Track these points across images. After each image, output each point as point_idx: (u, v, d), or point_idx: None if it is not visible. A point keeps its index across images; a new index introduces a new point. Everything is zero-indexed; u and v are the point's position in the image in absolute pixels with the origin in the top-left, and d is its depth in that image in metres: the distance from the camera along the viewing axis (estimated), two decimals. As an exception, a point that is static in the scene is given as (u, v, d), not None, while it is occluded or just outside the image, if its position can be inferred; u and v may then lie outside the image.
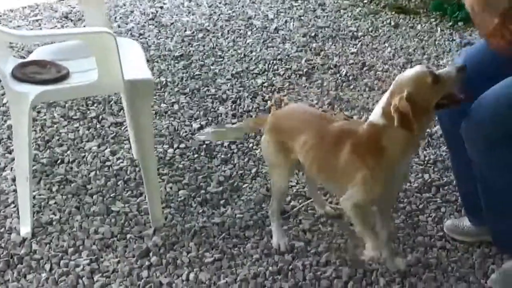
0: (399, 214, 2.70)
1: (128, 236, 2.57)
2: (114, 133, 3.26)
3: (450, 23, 4.57)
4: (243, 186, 2.89)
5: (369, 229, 2.24)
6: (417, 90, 2.05)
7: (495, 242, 2.51)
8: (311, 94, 3.65)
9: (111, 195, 2.82)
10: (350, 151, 2.18)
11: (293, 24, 4.58)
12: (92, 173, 2.96)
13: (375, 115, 2.15)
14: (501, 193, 2.27)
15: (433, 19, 4.66)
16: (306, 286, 2.32)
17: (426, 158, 3.07)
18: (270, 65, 3.99)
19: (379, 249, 2.27)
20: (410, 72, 2.16)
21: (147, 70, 2.64)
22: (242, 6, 4.88)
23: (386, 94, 2.14)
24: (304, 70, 3.93)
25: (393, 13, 4.77)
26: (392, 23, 4.59)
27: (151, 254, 2.47)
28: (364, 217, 2.23)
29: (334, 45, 4.27)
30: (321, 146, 2.28)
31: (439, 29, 4.52)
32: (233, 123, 3.33)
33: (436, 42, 4.33)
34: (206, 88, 3.72)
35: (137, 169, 2.95)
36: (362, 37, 4.40)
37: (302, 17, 4.70)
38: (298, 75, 3.87)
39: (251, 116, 3.43)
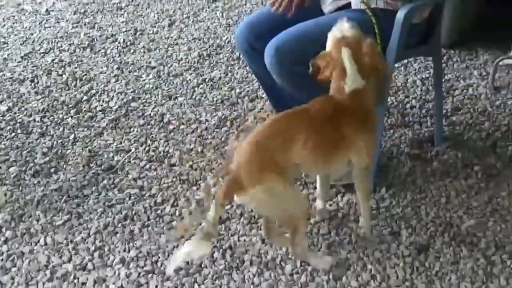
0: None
1: (-23, 218, 2.39)
2: None
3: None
4: (67, 153, 2.77)
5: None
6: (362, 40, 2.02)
7: None
8: (98, 63, 3.55)
9: None
10: (347, 124, 1.99)
11: (61, 4, 4.38)
12: None
13: (355, 81, 1.97)
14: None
15: (181, -17, 4.68)
16: (152, 224, 2.33)
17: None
18: (54, 43, 3.80)
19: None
20: (349, 29, 2.02)
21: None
22: (8, -6, 4.57)
23: (347, 58, 1.96)
24: (86, 43, 3.79)
25: (146, -19, 4.72)
26: (148, -8, 4.56)
27: (4, 229, 2.31)
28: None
29: (105, 18, 4.16)
30: (318, 135, 1.95)
31: (188, -9, 4.57)
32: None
33: (189, 1, 4.38)
34: (1, 73, 3.47)
35: (-39, 157, 2.74)
36: (126, 7, 4.33)
37: (67, -3, 4.51)
38: (82, 48, 3.74)
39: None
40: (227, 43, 3.73)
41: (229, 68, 3.45)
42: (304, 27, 2.31)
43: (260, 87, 3.03)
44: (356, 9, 2.35)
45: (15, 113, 3.09)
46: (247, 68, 3.36)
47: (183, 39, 3.82)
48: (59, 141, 2.86)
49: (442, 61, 3.09)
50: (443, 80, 2.94)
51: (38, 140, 2.87)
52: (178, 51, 3.66)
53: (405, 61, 3.35)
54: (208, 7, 4.26)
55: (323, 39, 2.12)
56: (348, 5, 2.41)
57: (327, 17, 2.37)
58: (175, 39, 3.82)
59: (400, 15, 2.25)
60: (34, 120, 3.02)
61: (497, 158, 2.64)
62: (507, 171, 2.56)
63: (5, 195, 2.50)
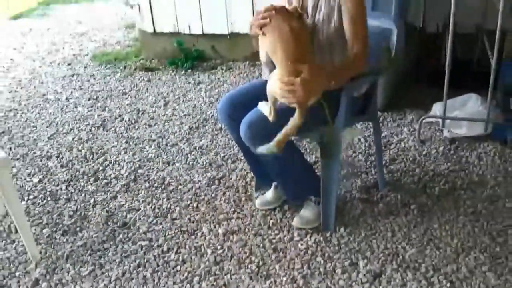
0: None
1: (17, 274, 2.32)
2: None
3: (183, 72, 4.66)
4: (89, 214, 2.73)
5: None
6: None
7: (287, 197, 2.62)
8: (110, 139, 3.54)
9: (-10, 248, 2.53)
10: None
11: (78, 93, 4.37)
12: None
13: None
14: (277, 168, 2.41)
15: (171, 71, 4.70)
16: (160, 269, 2.30)
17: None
18: (73, 125, 3.77)
19: None
20: None
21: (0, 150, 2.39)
22: (35, 87, 4.54)
23: None
24: (99, 123, 3.76)
25: (144, 72, 4.74)
26: (146, 79, 4.56)
27: (40, 282, 2.25)
28: None
29: (113, 101, 4.15)
30: None
31: (177, 77, 4.58)
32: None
33: (179, 85, 4.40)
34: (33, 151, 3.43)
35: (2, 222, 2.67)
36: (129, 92, 4.32)
37: (81, 87, 4.49)
38: (96, 127, 3.71)
39: (76, 164, 3.24)
40: (211, 117, 3.74)
41: (213, 137, 3.46)
42: None
43: (239, 150, 3.04)
44: None
45: (45, 183, 3.04)
46: (228, 136, 3.38)
47: (176, 115, 3.83)
48: (82, 204, 2.82)
49: (379, 122, 3.14)
50: (381, 137, 2.98)
51: (65, 205, 2.83)
52: (172, 126, 3.66)
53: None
54: (194, 89, 4.28)
55: (288, 112, 2.15)
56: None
57: None
58: (170, 116, 3.82)
59: (345, 92, 2.30)
60: (61, 189, 2.98)
61: (428, 197, 2.66)
62: (436, 207, 2.58)
63: (40, 252, 2.45)
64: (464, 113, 3.21)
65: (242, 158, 3.06)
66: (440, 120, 3.22)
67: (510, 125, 3.01)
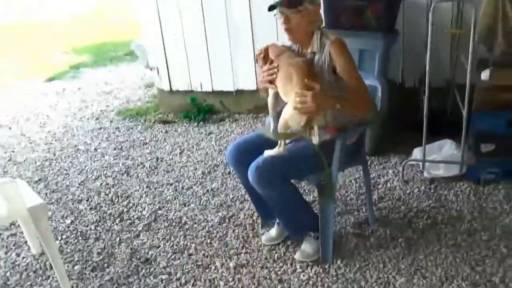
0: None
1: (53, 307, 2.30)
2: (14, 241, 2.89)
3: (196, 124, 4.67)
4: (115, 251, 2.71)
5: None
6: None
7: (289, 233, 2.59)
8: (133, 184, 3.54)
9: (28, 284, 2.49)
10: None
11: (105, 144, 4.39)
12: (7, 273, 2.60)
13: None
14: (279, 208, 2.39)
15: (186, 123, 4.71)
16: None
17: (214, 204, 3.15)
18: (101, 172, 3.78)
19: None
20: None
21: (38, 197, 2.39)
22: (67, 139, 4.56)
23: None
24: (124, 170, 3.77)
25: (162, 124, 4.76)
26: (163, 131, 4.59)
27: (73, 313, 2.23)
28: None
29: (135, 150, 4.15)
30: None
31: (191, 128, 4.60)
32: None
33: (192, 136, 4.41)
34: (65, 196, 3.43)
35: (39, 260, 2.65)
36: (149, 142, 4.33)
37: (108, 138, 4.50)
38: (121, 174, 3.71)
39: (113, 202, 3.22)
40: (221, 163, 3.75)
41: (223, 180, 3.46)
42: None
43: (246, 193, 3.04)
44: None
45: (76, 224, 3.03)
46: (236, 179, 3.38)
47: (190, 162, 3.83)
48: (109, 243, 2.80)
49: (368, 165, 3.14)
50: (370, 178, 2.98)
51: (94, 244, 2.81)
52: (187, 171, 3.67)
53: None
54: (206, 138, 4.30)
55: (293, 162, 2.16)
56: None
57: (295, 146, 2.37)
58: (185, 163, 3.83)
59: (339, 141, 2.32)
60: (90, 229, 2.97)
61: (413, 231, 2.64)
62: (421, 240, 2.56)
63: (72, 287, 2.43)
64: (441, 156, 3.22)
65: (248, 199, 3.06)
66: (420, 163, 3.23)
67: (482, 166, 3.01)
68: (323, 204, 2.40)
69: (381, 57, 3.45)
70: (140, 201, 3.26)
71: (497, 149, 2.94)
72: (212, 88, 4.78)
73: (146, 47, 4.88)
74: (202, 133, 4.45)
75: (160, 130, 4.62)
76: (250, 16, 4.39)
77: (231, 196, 3.21)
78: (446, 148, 3.29)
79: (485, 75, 2.88)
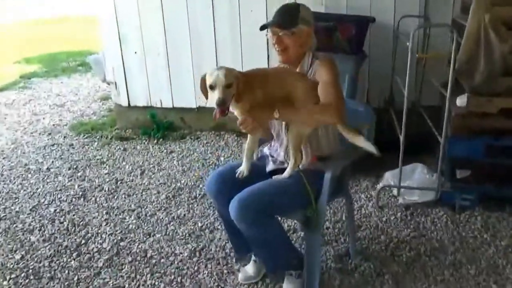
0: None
1: None
2: None
3: (155, 141, 4.27)
4: None
5: None
6: None
7: (269, 271, 2.27)
8: (91, 209, 3.09)
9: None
10: None
11: (58, 162, 3.89)
12: None
13: None
14: (260, 242, 2.07)
15: (145, 140, 4.30)
16: None
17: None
18: (54, 196, 3.30)
19: None
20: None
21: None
22: (17, 157, 4.02)
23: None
24: (80, 193, 3.31)
25: (119, 141, 4.31)
26: (122, 148, 4.15)
27: None
28: None
29: (92, 171, 3.70)
30: None
31: (150, 145, 4.19)
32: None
33: (152, 154, 4.00)
34: (14, 225, 2.93)
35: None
36: (107, 161, 3.88)
37: (62, 156, 4.01)
38: (77, 198, 3.25)
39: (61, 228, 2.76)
40: (185, 185, 3.37)
41: (190, 206, 3.08)
42: (260, 186, 2.01)
43: (216, 219, 2.70)
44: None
45: (27, 260, 2.57)
46: (204, 205, 3.03)
47: (152, 184, 3.43)
48: (66, 283, 2.37)
49: (351, 197, 2.86)
50: (354, 212, 2.69)
51: (48, 284, 2.36)
52: (150, 195, 3.26)
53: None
54: (167, 157, 3.90)
55: (280, 198, 1.86)
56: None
57: (276, 180, 2.07)
58: (147, 185, 3.42)
59: (328, 173, 2.03)
60: (44, 266, 2.51)
61: (398, 265, 2.39)
62: (408, 276, 2.31)
63: None
64: (413, 181, 3.01)
65: (219, 227, 2.72)
66: (395, 188, 3.00)
67: (457, 191, 2.81)
68: (310, 238, 2.11)
69: (351, 79, 3.22)
70: (99, 231, 2.83)
71: (473, 175, 2.76)
72: (173, 104, 4.39)
73: (105, 60, 4.42)
74: (163, 151, 4.04)
75: (118, 147, 4.17)
76: (214, 31, 4.05)
77: (199, 225, 2.84)
78: (417, 172, 3.08)
79: (461, 101, 2.69)
